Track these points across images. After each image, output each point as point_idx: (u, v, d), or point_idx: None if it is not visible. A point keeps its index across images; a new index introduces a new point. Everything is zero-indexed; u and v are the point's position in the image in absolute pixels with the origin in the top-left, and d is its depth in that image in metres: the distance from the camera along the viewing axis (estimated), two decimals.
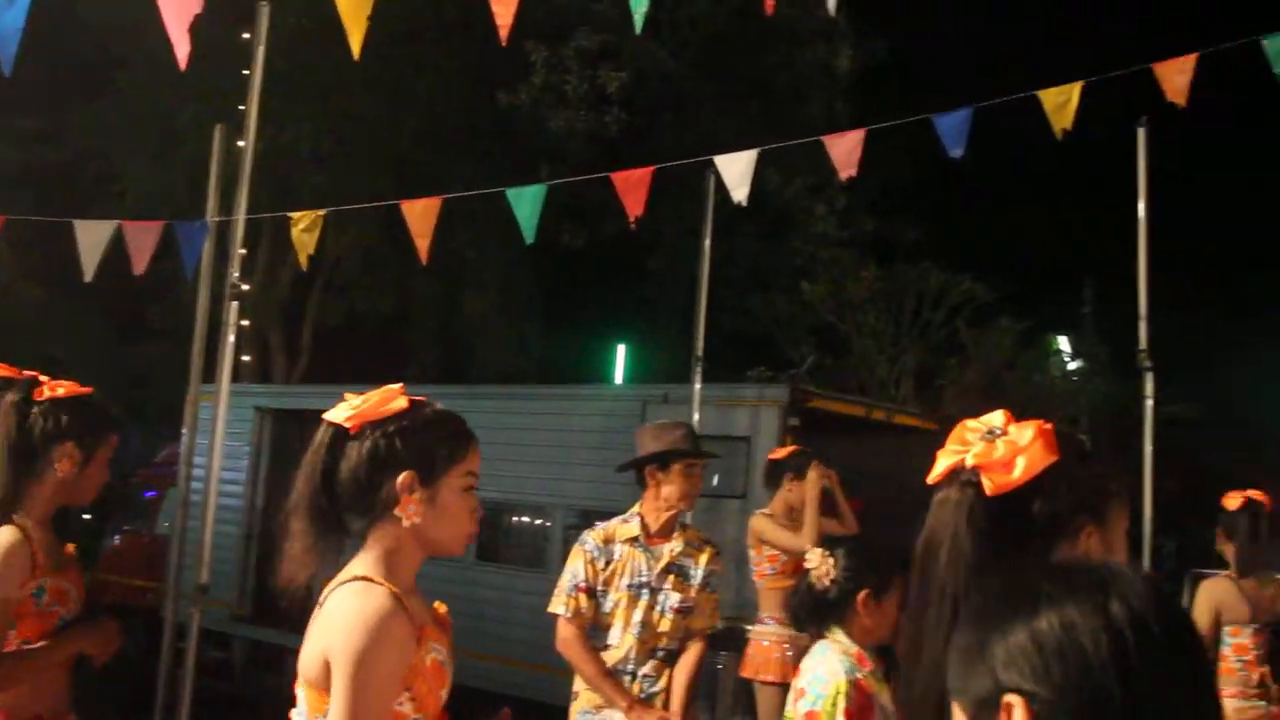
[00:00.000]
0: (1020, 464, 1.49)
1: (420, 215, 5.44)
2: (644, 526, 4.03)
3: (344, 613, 1.84)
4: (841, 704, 2.45)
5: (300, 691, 1.91)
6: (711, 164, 5.37)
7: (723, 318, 12.97)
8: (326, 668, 1.83)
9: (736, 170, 5.07)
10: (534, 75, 12.18)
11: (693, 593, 3.99)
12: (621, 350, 15.72)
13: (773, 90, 12.05)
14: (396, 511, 1.92)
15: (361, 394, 1.99)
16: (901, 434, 10.45)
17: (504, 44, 4.31)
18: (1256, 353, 14.46)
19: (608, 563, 3.96)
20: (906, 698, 1.53)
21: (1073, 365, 14.17)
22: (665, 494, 3.98)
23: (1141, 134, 6.82)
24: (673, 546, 4.02)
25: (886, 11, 13.31)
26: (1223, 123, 12.87)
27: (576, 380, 12.44)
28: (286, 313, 14.75)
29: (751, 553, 5.77)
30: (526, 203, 5.25)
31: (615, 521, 4.08)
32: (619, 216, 5.93)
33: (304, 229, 5.57)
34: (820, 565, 2.70)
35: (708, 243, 6.92)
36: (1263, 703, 4.63)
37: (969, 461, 1.51)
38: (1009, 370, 11.66)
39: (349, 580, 1.89)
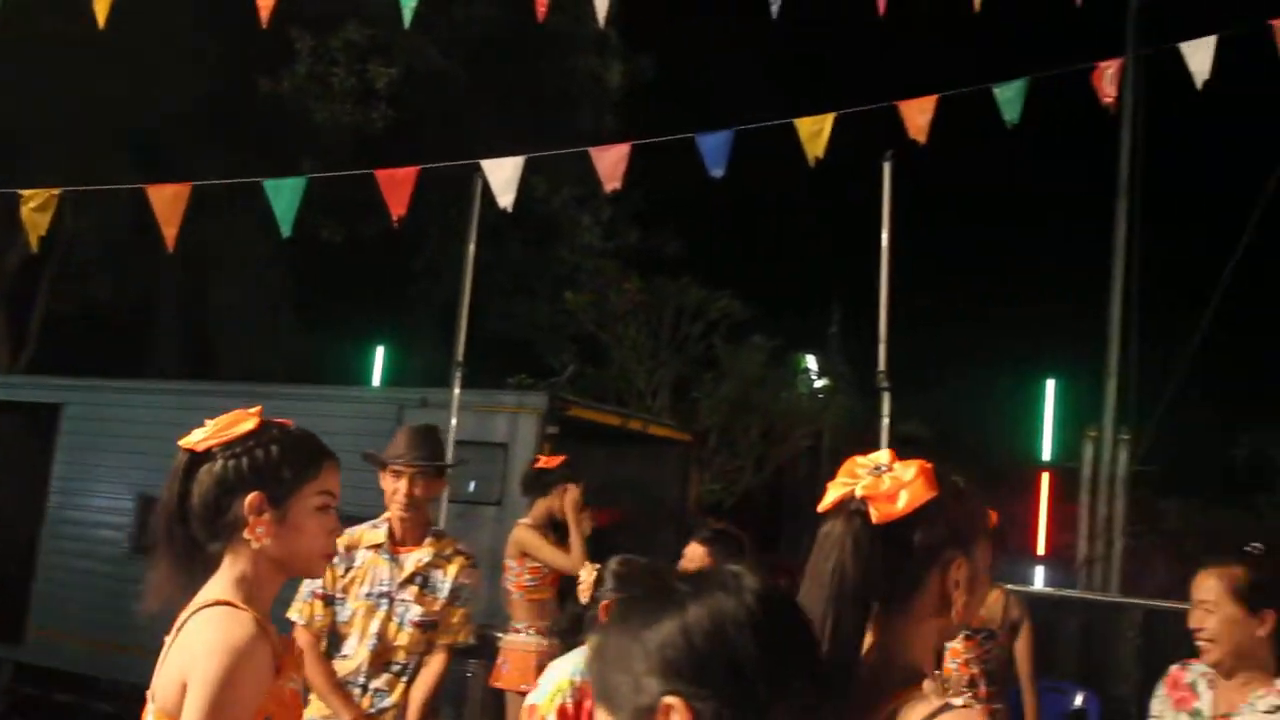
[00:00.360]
0: (904, 496, 1.62)
1: (168, 201, 5.17)
2: (391, 533, 3.87)
3: (205, 638, 1.79)
4: (557, 700, 2.65)
5: None
6: (478, 168, 5.35)
7: (486, 323, 12.91)
8: (184, 694, 1.76)
9: (503, 176, 5.07)
10: (298, 64, 11.80)
11: (437, 605, 3.82)
12: (380, 352, 15.40)
13: (544, 98, 12.12)
14: (245, 534, 1.88)
15: (214, 417, 1.97)
16: (657, 444, 10.69)
17: (264, 26, 4.15)
18: (982, 375, 15.60)
19: (347, 569, 3.79)
20: None
21: (819, 383, 14.84)
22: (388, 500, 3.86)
23: (887, 167, 7.26)
24: (420, 556, 3.85)
25: (656, 29, 13.62)
26: (964, 161, 13.80)
27: (332, 381, 12.09)
28: (13, 298, 13.70)
29: (512, 563, 5.73)
30: (285, 195, 5.07)
31: (364, 527, 3.92)
32: (382, 215, 5.82)
33: (35, 208, 5.19)
34: (585, 580, 2.88)
35: (472, 247, 6.89)
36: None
37: (858, 492, 1.63)
38: (760, 386, 12.10)
39: (208, 605, 1.84)
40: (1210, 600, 2.70)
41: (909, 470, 1.63)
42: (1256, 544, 2.87)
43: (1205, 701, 2.75)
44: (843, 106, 5.51)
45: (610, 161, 5.11)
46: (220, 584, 1.89)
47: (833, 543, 1.61)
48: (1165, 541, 12.96)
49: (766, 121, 5.14)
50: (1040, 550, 13.93)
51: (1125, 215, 10.74)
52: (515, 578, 5.51)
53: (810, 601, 1.59)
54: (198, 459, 1.92)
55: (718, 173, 5.05)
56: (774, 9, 4.53)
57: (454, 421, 7.11)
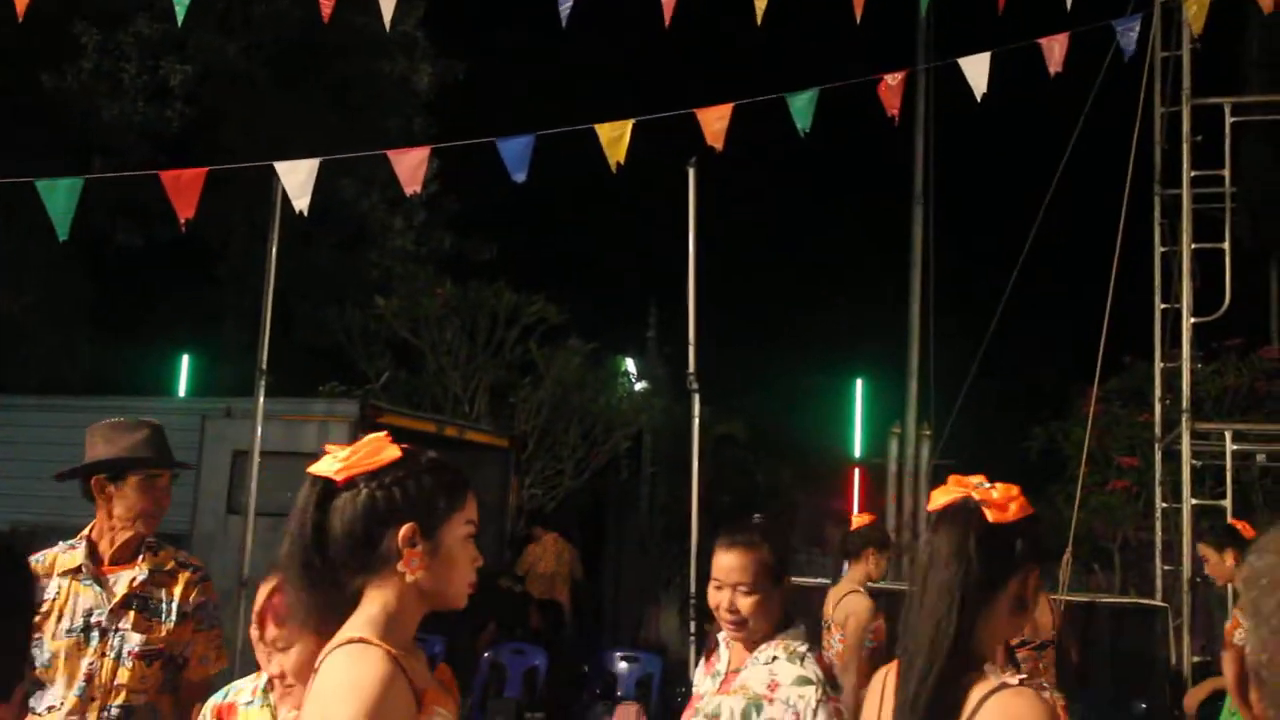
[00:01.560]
0: (1012, 507, 2.02)
1: None
2: (93, 553, 3.19)
3: (338, 679, 1.69)
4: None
5: None
6: (272, 170, 5.21)
7: (295, 330, 12.56)
8: None
9: (298, 179, 4.94)
10: (84, 59, 11.22)
11: (163, 631, 3.17)
12: (186, 361, 14.82)
13: (351, 100, 11.88)
14: (399, 566, 1.78)
15: (343, 445, 1.86)
16: (475, 450, 10.62)
17: (20, 19, 3.94)
18: (797, 376, 16.05)
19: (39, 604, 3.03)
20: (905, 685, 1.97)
21: (639, 386, 14.99)
22: (118, 513, 3.18)
23: (691, 173, 7.40)
24: (135, 575, 3.18)
25: (466, 34, 13.55)
26: (772, 168, 14.16)
27: (133, 392, 11.55)
28: None
29: None
30: (60, 196, 4.82)
31: (54, 550, 3.23)
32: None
33: None
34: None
35: (274, 250, 6.72)
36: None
37: (975, 496, 2.03)
38: (579, 390, 12.15)
39: (344, 643, 1.74)
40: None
41: (1012, 489, 2.04)
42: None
43: (723, 660, 2.95)
44: (645, 113, 5.59)
45: (410, 165, 5.05)
46: (361, 619, 1.79)
47: (950, 531, 1.99)
48: None
49: (567, 127, 5.17)
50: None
51: (920, 221, 11.23)
52: None
53: (926, 583, 1.97)
54: (332, 488, 1.80)
55: (519, 177, 5.05)
56: (564, 16, 4.56)
57: (259, 432, 6.92)
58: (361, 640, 1.74)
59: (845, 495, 15.03)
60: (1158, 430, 9.15)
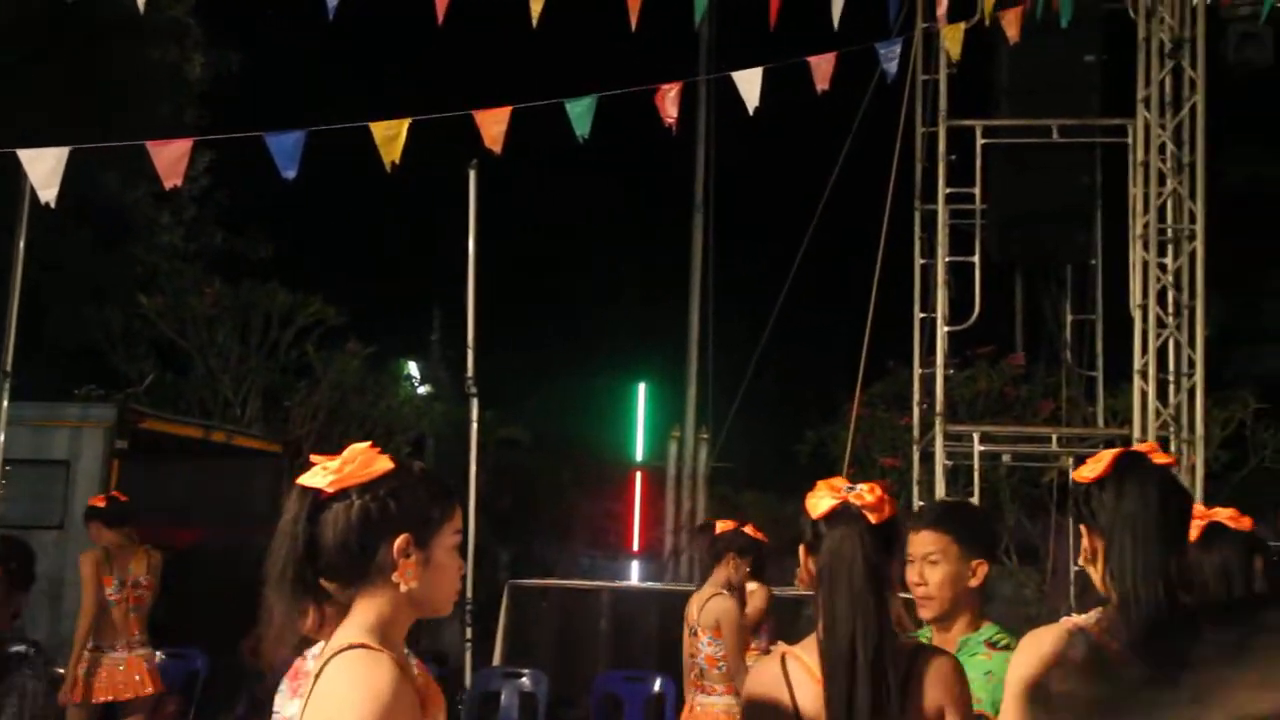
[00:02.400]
0: (885, 508, 2.33)
1: None
2: None
3: (349, 684, 1.72)
4: None
5: None
6: (15, 158, 4.89)
7: (49, 330, 11.78)
8: None
9: (44, 168, 4.66)
10: None
11: None
12: None
13: (113, 87, 11.24)
14: (394, 577, 1.81)
15: (329, 456, 1.86)
16: (245, 456, 10.23)
17: None
18: (580, 381, 16.16)
19: None
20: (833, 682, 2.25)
21: (421, 389, 14.78)
22: None
23: (472, 175, 7.39)
24: None
25: (243, 24, 13.05)
26: (549, 172, 14.22)
27: None
28: None
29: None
30: None
31: None
32: None
33: None
34: None
35: (21, 244, 6.36)
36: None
37: (854, 501, 2.32)
38: (358, 393, 11.87)
39: (346, 648, 1.76)
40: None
41: (877, 490, 2.35)
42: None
43: None
44: (423, 112, 5.53)
45: (170, 157, 4.83)
46: (356, 627, 1.82)
47: (845, 540, 2.29)
48: None
49: (341, 124, 5.06)
50: (635, 546, 14.62)
51: (700, 229, 11.52)
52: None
53: (836, 583, 2.28)
54: (322, 499, 1.82)
55: (290, 174, 4.91)
56: (330, 10, 4.47)
57: (1, 438, 6.53)
58: (365, 646, 1.77)
59: (627, 498, 15.22)
60: (915, 432, 9.67)
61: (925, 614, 2.82)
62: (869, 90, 9.08)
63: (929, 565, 2.79)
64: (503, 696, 7.91)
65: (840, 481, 2.40)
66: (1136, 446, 2.37)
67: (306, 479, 1.86)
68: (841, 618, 2.26)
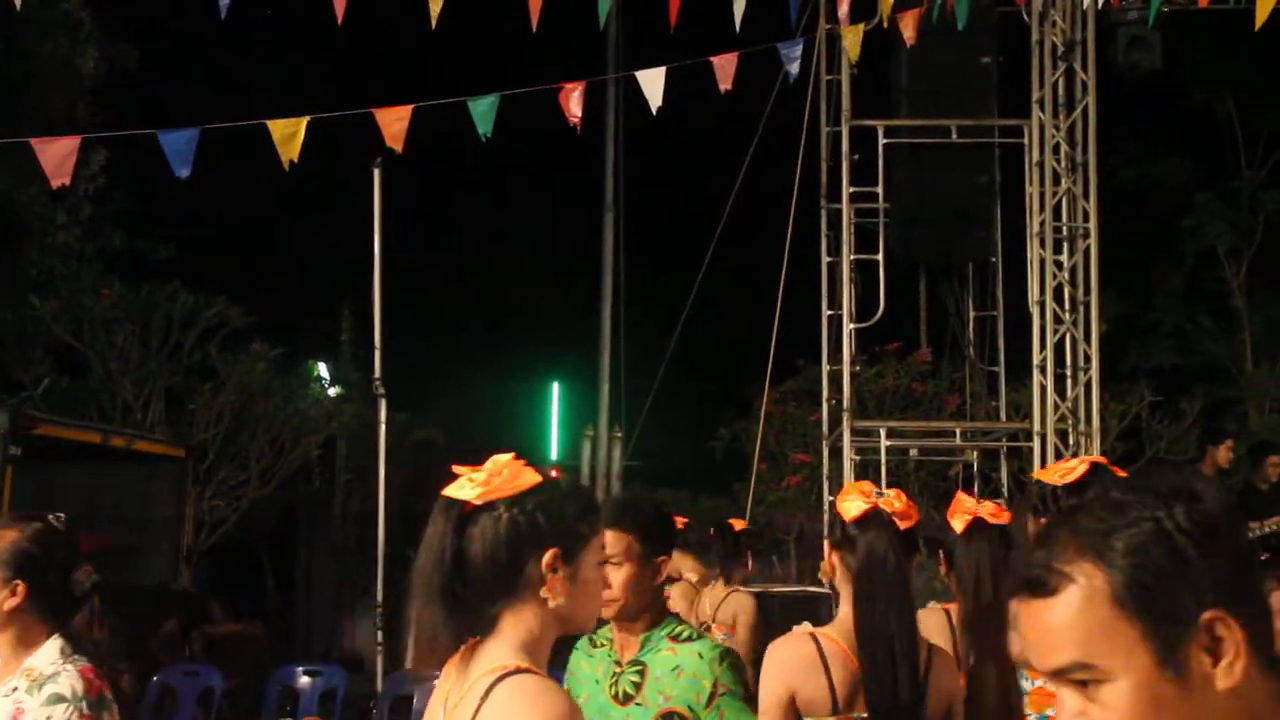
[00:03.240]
0: (912, 514, 2.69)
1: None
2: None
3: (526, 713, 1.69)
4: None
5: None
6: None
7: None
8: None
9: None
10: None
11: None
12: None
13: (1, 83, 10.86)
14: (542, 592, 1.78)
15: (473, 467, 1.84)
16: (146, 461, 10.00)
17: None
18: (494, 381, 16.09)
19: None
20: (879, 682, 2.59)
21: (333, 391, 14.57)
22: None
23: (376, 174, 7.32)
24: None
25: (138, 18, 12.73)
26: (457, 171, 14.14)
27: None
28: None
29: None
30: None
31: None
32: None
33: None
34: None
35: None
36: None
37: (884, 508, 2.66)
38: (265, 396, 11.66)
39: (511, 672, 1.73)
40: None
41: (903, 497, 2.72)
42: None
43: None
44: (328, 110, 5.47)
45: (57, 155, 4.70)
46: (508, 646, 1.78)
47: (878, 540, 2.62)
48: None
49: (238, 122, 4.98)
50: None
51: (611, 230, 11.55)
52: None
53: (874, 582, 2.61)
54: (468, 512, 1.79)
55: (183, 173, 4.81)
56: (223, 9, 4.40)
57: None
58: (529, 670, 1.75)
59: None
60: (825, 428, 9.81)
61: (608, 613, 2.70)
62: (773, 91, 9.18)
63: (612, 567, 2.63)
64: (415, 699, 7.85)
65: (869, 486, 2.79)
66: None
67: (453, 490, 1.83)
68: (881, 610, 2.61)
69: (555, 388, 15.36)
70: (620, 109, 11.15)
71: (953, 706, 2.73)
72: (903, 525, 2.68)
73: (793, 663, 2.66)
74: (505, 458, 1.89)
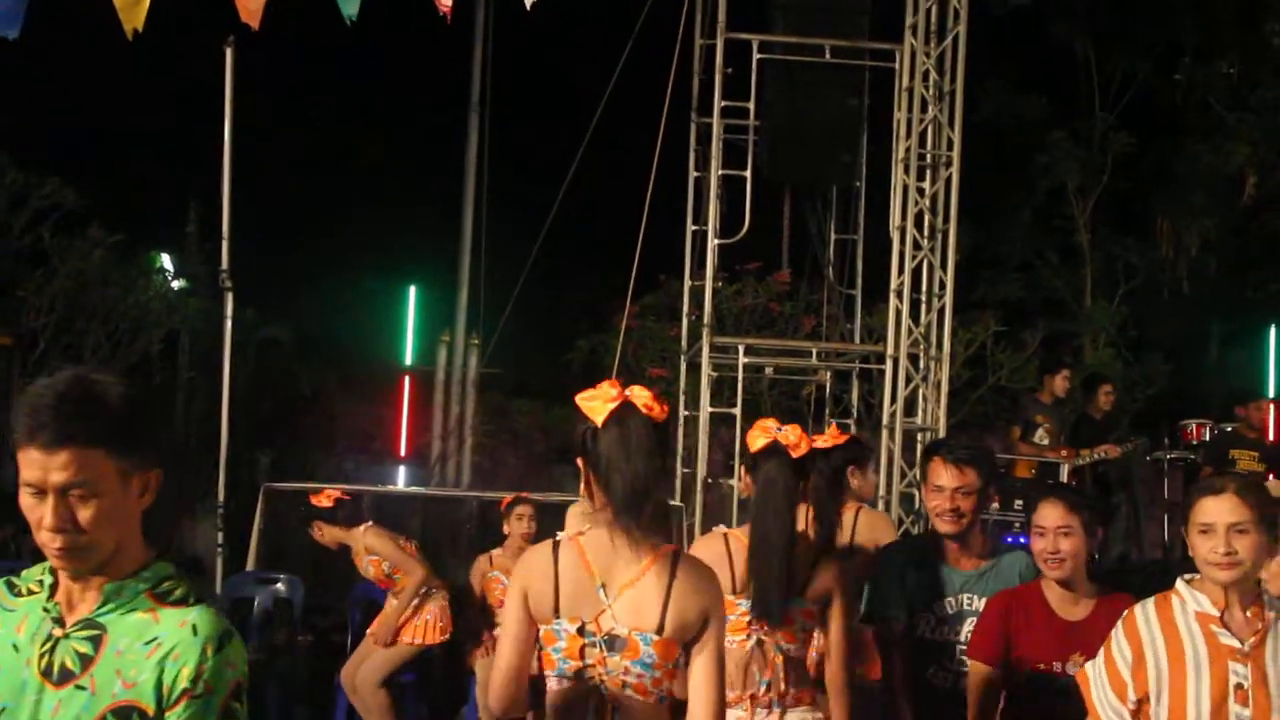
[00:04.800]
0: (802, 445, 3.45)
1: None
2: None
3: (714, 583, 2.75)
4: None
5: None
6: None
7: None
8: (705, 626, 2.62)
9: None
10: None
11: None
12: None
13: None
14: None
15: None
16: None
17: None
18: (348, 281, 15.62)
19: None
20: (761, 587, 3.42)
21: (177, 284, 13.95)
22: None
23: (229, 53, 6.90)
24: None
25: None
26: (316, 57, 13.53)
27: None
28: None
29: None
30: None
31: None
32: None
33: None
34: None
35: None
36: None
37: (781, 441, 3.43)
38: (103, 285, 11.08)
39: (686, 553, 2.90)
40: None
41: (797, 430, 3.47)
42: None
43: None
44: None
45: None
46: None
47: (775, 468, 3.43)
48: (515, 439, 13.99)
49: None
50: (403, 452, 14.39)
51: (476, 129, 11.23)
52: None
53: (768, 498, 3.43)
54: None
55: (10, 33, 4.42)
56: None
57: None
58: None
59: (394, 402, 14.93)
60: (684, 344, 9.84)
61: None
62: None
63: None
64: (256, 602, 7.68)
65: (772, 423, 3.50)
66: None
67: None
68: (769, 519, 3.39)
69: (412, 291, 15.01)
70: (491, 5, 10.78)
71: (830, 595, 3.46)
72: (794, 454, 3.43)
73: (707, 556, 3.17)
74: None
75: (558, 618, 2.57)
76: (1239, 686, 2.81)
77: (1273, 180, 13.84)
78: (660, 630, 2.54)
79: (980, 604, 3.69)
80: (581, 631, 2.56)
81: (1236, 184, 13.97)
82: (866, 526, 4.63)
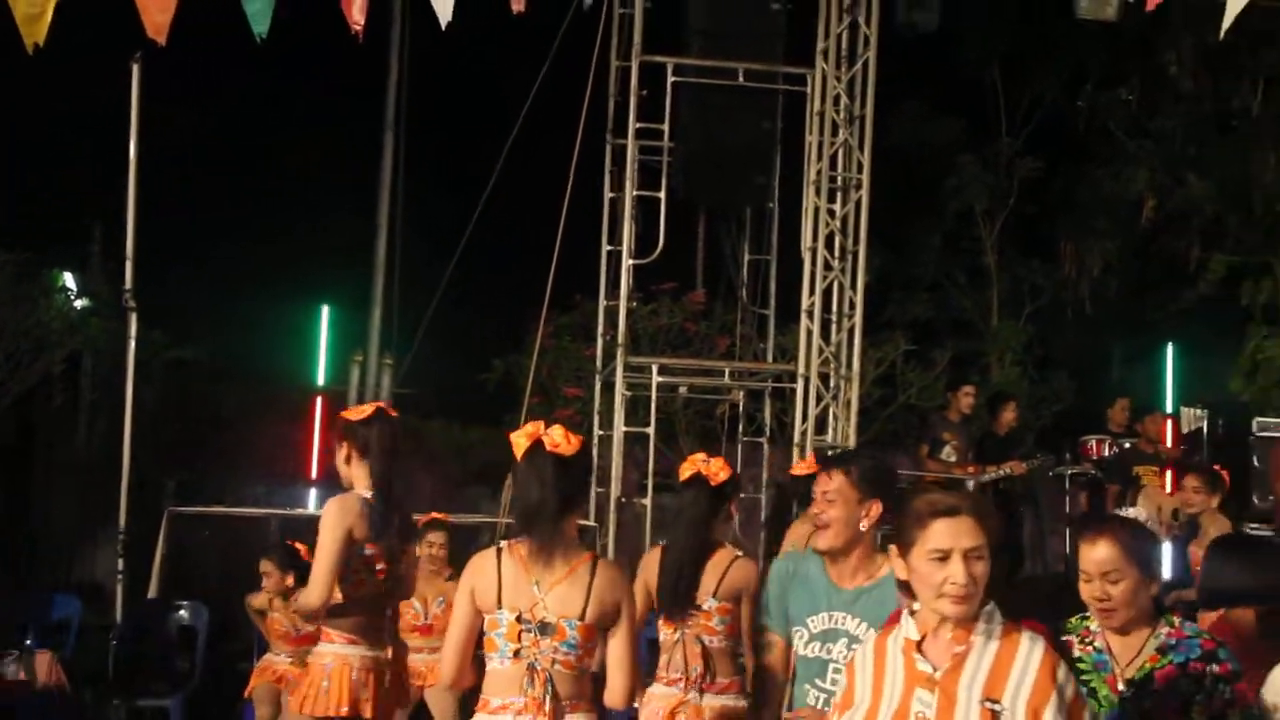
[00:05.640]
0: (721, 475, 4.30)
1: None
2: None
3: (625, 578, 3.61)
4: None
5: None
6: None
7: None
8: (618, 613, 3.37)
9: None
10: None
11: None
12: None
13: None
14: None
15: None
16: None
17: None
18: (259, 301, 15.36)
19: None
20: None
21: (80, 304, 13.60)
22: None
23: (135, 70, 6.78)
24: None
25: None
26: (228, 75, 13.33)
27: None
28: None
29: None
30: None
31: None
32: None
33: None
34: None
35: None
36: None
37: (703, 471, 4.27)
38: (3, 304, 10.76)
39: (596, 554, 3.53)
40: None
41: (720, 462, 4.33)
42: None
43: None
44: None
45: None
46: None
47: (694, 491, 4.29)
48: (429, 460, 13.85)
49: None
50: (314, 474, 14.16)
51: (390, 148, 11.16)
52: None
53: (682, 515, 4.34)
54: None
55: None
56: None
57: None
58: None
59: (306, 424, 14.70)
60: (599, 363, 9.86)
61: None
62: (566, 18, 9.03)
63: None
64: (159, 630, 7.51)
65: (701, 456, 4.32)
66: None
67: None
68: (679, 536, 4.26)
69: (325, 310, 14.80)
70: (407, 21, 10.72)
71: (742, 594, 4.20)
72: (714, 482, 4.26)
73: (649, 565, 4.36)
74: None
75: (500, 608, 3.24)
76: (920, 714, 2.51)
77: (1170, 204, 14.31)
78: (583, 617, 3.23)
79: (852, 624, 3.55)
80: (519, 619, 3.21)
81: (1136, 208, 14.41)
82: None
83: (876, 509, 3.55)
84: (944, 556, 2.48)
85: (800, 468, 5.38)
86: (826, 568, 3.68)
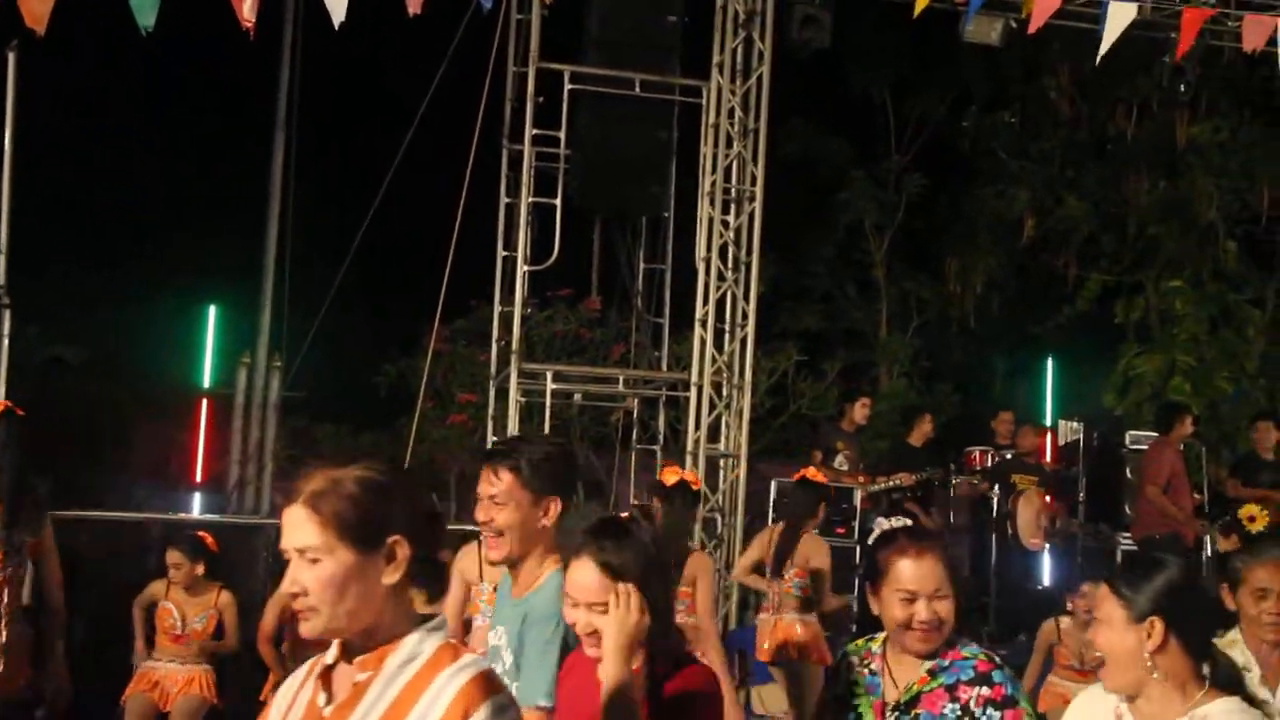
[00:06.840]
0: (696, 483, 5.71)
1: None
2: None
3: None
4: None
5: None
6: None
7: None
8: None
9: None
10: None
11: None
12: None
13: None
14: None
15: None
16: None
17: None
18: (142, 300, 14.95)
19: None
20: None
21: None
22: None
23: (11, 58, 6.56)
24: None
25: None
26: (112, 68, 12.98)
27: None
28: None
29: None
30: None
31: None
32: None
33: None
34: None
35: None
36: None
37: (686, 478, 5.50)
38: None
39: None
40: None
41: (692, 474, 5.85)
42: None
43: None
44: None
45: None
46: None
47: (679, 500, 5.45)
48: (319, 463, 13.61)
49: None
50: (198, 477, 13.81)
51: (281, 147, 10.97)
52: None
53: (669, 523, 5.18)
54: None
55: None
56: None
57: None
58: None
59: (191, 426, 14.35)
60: (493, 369, 9.83)
61: None
62: (463, 22, 8.99)
63: None
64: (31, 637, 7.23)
65: (677, 466, 5.09)
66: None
67: None
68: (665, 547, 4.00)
69: (212, 311, 14.46)
70: (299, 20, 10.56)
71: (697, 580, 5.24)
72: (695, 487, 5.50)
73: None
74: None
75: (482, 582, 3.87)
76: None
77: (1049, 224, 14.81)
78: None
79: (503, 639, 3.05)
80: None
81: (1018, 227, 14.88)
82: (806, 547, 6.65)
83: (555, 507, 3.06)
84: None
85: (668, 475, 5.54)
86: (510, 581, 3.14)
